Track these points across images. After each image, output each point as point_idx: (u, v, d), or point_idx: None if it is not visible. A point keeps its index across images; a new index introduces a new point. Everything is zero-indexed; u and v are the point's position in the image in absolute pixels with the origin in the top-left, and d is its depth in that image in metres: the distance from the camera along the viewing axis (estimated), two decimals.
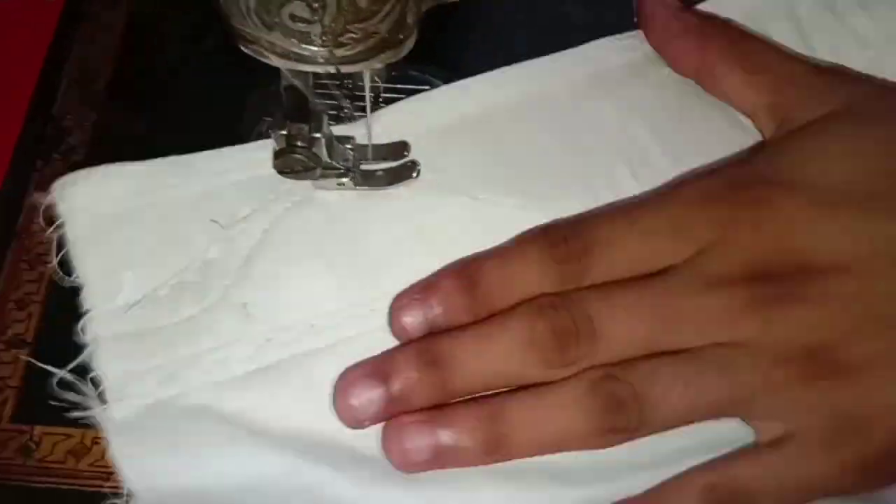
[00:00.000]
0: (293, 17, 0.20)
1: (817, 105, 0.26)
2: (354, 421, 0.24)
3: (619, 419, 0.22)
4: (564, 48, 0.31)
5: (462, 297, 0.24)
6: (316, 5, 0.19)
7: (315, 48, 0.21)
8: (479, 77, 0.30)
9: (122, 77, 0.32)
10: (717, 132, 0.29)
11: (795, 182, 0.24)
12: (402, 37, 0.21)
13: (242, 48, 0.22)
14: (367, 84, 0.25)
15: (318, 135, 0.26)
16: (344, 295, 0.26)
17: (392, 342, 0.25)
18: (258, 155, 0.28)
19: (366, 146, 0.28)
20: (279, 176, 0.26)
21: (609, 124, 0.29)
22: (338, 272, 0.27)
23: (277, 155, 0.26)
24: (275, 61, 0.22)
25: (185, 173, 0.28)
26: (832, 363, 0.22)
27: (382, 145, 0.29)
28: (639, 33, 0.31)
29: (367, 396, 0.23)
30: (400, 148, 0.29)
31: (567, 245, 0.24)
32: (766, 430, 0.23)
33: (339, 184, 0.28)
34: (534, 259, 0.24)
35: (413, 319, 0.24)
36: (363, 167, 0.28)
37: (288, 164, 0.26)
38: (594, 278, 0.24)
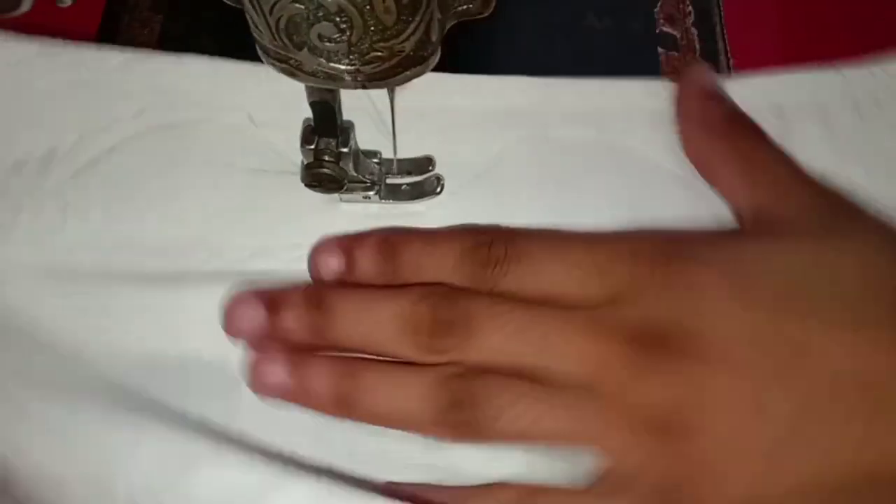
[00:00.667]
0: (321, 37, 0.20)
1: (796, 219, 0.26)
2: (233, 330, 0.25)
3: (457, 418, 0.23)
4: (588, 60, 0.31)
5: (377, 260, 0.25)
6: (343, 25, 0.20)
7: (342, 66, 0.21)
8: (504, 77, 0.31)
9: None
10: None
11: (728, 271, 0.24)
12: (426, 54, 0.22)
13: (272, 66, 0.22)
14: (393, 100, 0.25)
15: (345, 149, 0.26)
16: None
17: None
18: None
19: (391, 160, 0.28)
20: None
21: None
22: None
23: (306, 169, 0.26)
24: (303, 79, 0.22)
25: None
26: (676, 436, 0.22)
27: (407, 160, 0.29)
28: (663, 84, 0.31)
29: (251, 313, 0.24)
30: (425, 163, 0.29)
31: (489, 250, 0.25)
32: (596, 474, 0.23)
33: (364, 196, 0.28)
34: (454, 252, 0.25)
35: (329, 263, 0.26)
36: (388, 181, 0.29)
37: (316, 177, 0.26)
38: (502, 289, 0.24)
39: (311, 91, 0.24)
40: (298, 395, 0.24)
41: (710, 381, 0.22)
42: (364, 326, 0.24)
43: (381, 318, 0.24)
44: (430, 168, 0.29)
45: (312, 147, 0.26)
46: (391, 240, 0.26)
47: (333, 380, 0.24)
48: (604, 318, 0.23)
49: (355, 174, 0.27)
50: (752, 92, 0.29)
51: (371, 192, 0.28)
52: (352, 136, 0.27)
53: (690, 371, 0.22)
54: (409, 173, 0.29)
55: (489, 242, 0.25)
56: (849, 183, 0.26)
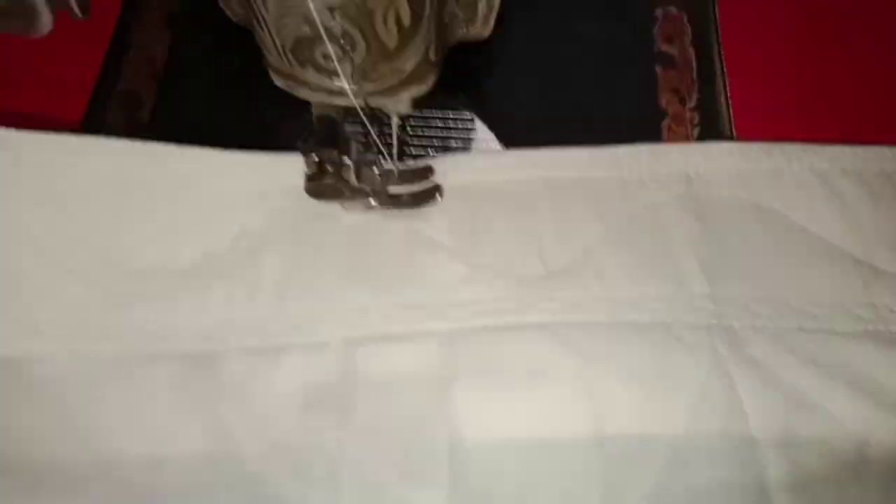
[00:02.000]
0: (325, 56, 0.21)
1: None
2: None
3: None
4: (578, 65, 0.32)
5: None
6: (347, 47, 0.21)
7: (345, 84, 0.22)
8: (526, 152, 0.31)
9: (165, 106, 0.34)
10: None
11: None
12: (426, 72, 0.23)
13: (277, 83, 0.23)
14: (394, 115, 0.26)
15: (347, 161, 0.27)
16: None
17: None
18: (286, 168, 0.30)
19: (392, 170, 0.30)
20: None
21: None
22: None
23: (309, 179, 0.27)
24: (307, 95, 0.23)
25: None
26: None
27: (408, 170, 0.30)
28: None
29: None
30: (424, 172, 0.30)
31: None
32: None
33: (365, 205, 0.29)
34: None
35: None
36: (390, 191, 0.30)
37: (319, 188, 0.27)
38: None
39: (315, 106, 0.25)
40: None
41: None
42: None
43: None
44: (430, 176, 0.30)
45: (315, 159, 0.27)
46: None
47: None
48: None
49: (357, 184, 0.28)
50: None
51: (372, 201, 0.29)
52: (354, 147, 0.28)
53: None
54: (410, 182, 0.30)
55: None
56: None
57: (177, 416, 0.26)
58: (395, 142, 0.28)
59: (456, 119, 0.32)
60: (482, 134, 0.32)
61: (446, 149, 0.32)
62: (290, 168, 0.30)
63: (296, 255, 0.29)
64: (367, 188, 0.29)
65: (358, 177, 0.28)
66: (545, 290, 0.28)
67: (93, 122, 0.33)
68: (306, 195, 0.27)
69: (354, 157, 0.28)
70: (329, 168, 0.27)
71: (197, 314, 0.28)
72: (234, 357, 0.27)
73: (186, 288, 0.28)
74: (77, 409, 0.26)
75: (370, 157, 0.29)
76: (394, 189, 0.30)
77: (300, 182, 0.27)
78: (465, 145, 0.32)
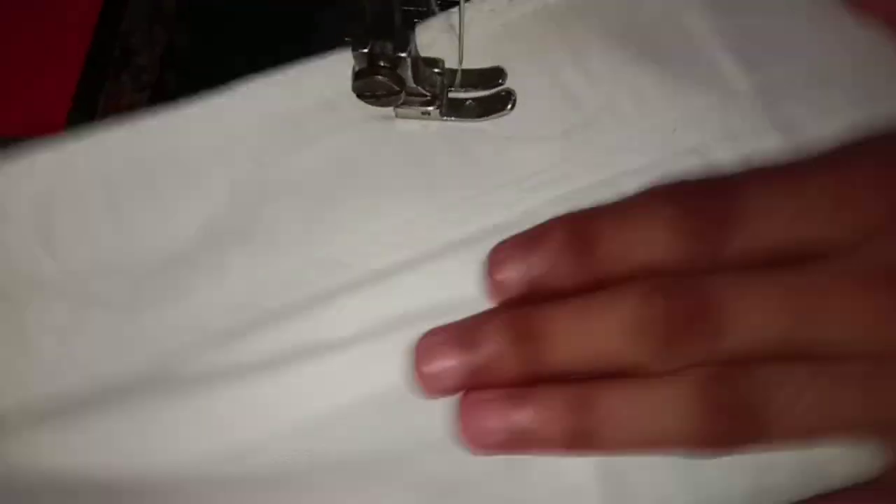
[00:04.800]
0: None
1: None
2: (433, 390, 0.21)
3: (732, 428, 0.19)
4: None
5: (571, 257, 0.21)
6: None
7: None
8: None
9: None
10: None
11: None
12: None
13: None
14: None
15: (403, 54, 0.23)
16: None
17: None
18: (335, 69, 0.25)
19: (455, 71, 0.25)
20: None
21: None
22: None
23: (358, 76, 0.23)
24: None
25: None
26: None
27: (474, 70, 0.25)
28: None
29: (448, 364, 0.20)
30: (494, 74, 0.25)
31: (703, 213, 0.20)
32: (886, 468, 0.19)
33: (423, 112, 0.25)
34: (661, 225, 0.20)
35: (511, 276, 0.21)
36: (451, 95, 0.25)
37: (370, 86, 0.23)
38: (729, 256, 0.20)
39: None
40: (526, 444, 0.20)
41: None
42: (585, 343, 0.20)
43: (604, 330, 0.20)
44: (501, 81, 0.25)
45: (366, 50, 0.23)
46: (578, 230, 0.21)
47: (566, 416, 0.20)
48: (874, 262, 0.19)
49: (413, 85, 0.24)
50: None
51: (431, 108, 0.25)
52: (412, 39, 0.23)
53: None
54: (476, 87, 0.25)
55: (700, 204, 0.20)
56: None
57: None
58: (461, 32, 0.23)
59: None
60: None
61: None
62: (329, 75, 0.25)
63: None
64: (426, 91, 0.24)
65: (415, 76, 0.24)
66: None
67: (112, 16, 0.29)
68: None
69: (413, 52, 0.23)
70: (381, 63, 0.23)
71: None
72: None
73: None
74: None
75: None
76: (456, 94, 0.25)
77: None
78: None
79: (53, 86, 0.29)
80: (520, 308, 0.21)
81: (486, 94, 0.25)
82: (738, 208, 0.20)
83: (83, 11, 0.29)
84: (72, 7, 0.30)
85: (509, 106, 0.25)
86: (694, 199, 0.21)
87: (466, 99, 0.25)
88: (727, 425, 0.19)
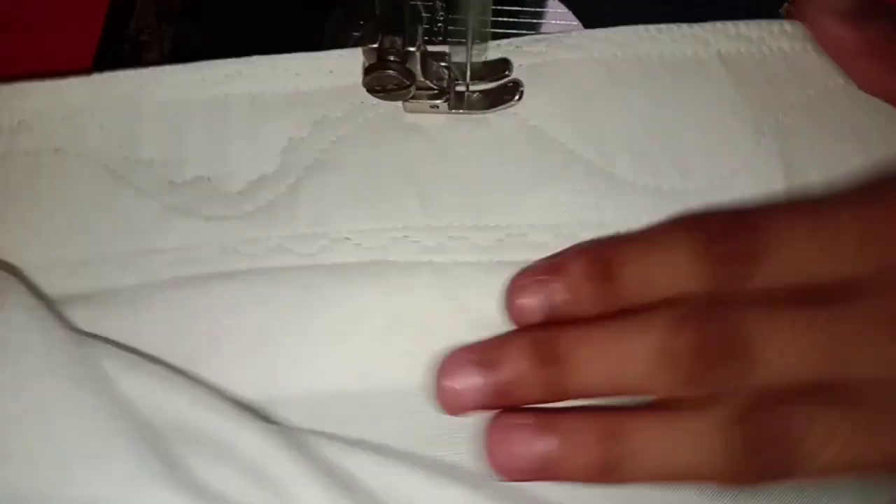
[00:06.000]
0: None
1: None
2: (454, 408, 0.21)
3: (766, 461, 0.19)
4: None
5: (593, 286, 0.21)
6: None
7: None
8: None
9: None
10: None
11: None
12: None
13: None
14: None
15: (412, 49, 0.23)
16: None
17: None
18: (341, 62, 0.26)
19: (463, 64, 0.25)
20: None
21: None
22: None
23: (368, 71, 0.23)
24: None
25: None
26: None
27: (481, 63, 0.26)
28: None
29: (471, 383, 0.21)
30: (500, 66, 0.26)
31: (728, 242, 0.20)
32: None
33: (431, 106, 0.25)
34: (685, 253, 0.20)
35: (532, 303, 0.21)
36: (458, 88, 0.26)
37: (380, 80, 0.23)
38: (753, 289, 0.20)
39: None
40: (555, 473, 0.20)
41: None
42: (612, 368, 0.20)
43: (631, 355, 0.20)
44: (507, 72, 0.26)
45: (376, 46, 0.23)
46: (602, 257, 0.21)
47: (596, 446, 0.20)
48: None
49: (422, 79, 0.24)
50: None
51: (439, 101, 0.25)
52: (420, 34, 0.23)
53: None
54: (483, 79, 0.26)
55: (724, 232, 0.20)
56: None
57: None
58: (468, 26, 0.23)
59: None
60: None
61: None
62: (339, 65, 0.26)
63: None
64: (434, 84, 0.25)
65: (424, 70, 0.24)
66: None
67: (120, 12, 0.29)
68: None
69: (421, 46, 0.24)
70: (391, 57, 0.23)
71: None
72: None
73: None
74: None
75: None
76: (463, 87, 0.26)
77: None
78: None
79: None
80: (545, 330, 0.21)
81: (493, 86, 0.26)
82: (764, 241, 0.20)
83: (91, 9, 0.29)
84: (80, 4, 0.30)
85: (517, 97, 0.25)
86: (718, 230, 0.21)
87: (474, 91, 0.26)
88: (757, 462, 0.19)
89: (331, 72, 0.26)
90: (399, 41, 0.23)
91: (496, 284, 0.22)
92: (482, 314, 0.23)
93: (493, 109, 0.25)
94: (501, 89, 0.26)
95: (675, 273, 0.20)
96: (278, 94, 0.26)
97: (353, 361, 0.23)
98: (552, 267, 0.22)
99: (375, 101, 0.25)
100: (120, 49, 0.29)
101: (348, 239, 0.24)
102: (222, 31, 0.29)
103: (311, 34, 0.26)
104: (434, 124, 0.26)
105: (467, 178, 0.25)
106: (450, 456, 0.22)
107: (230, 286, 0.24)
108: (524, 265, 0.22)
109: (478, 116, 0.25)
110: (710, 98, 0.25)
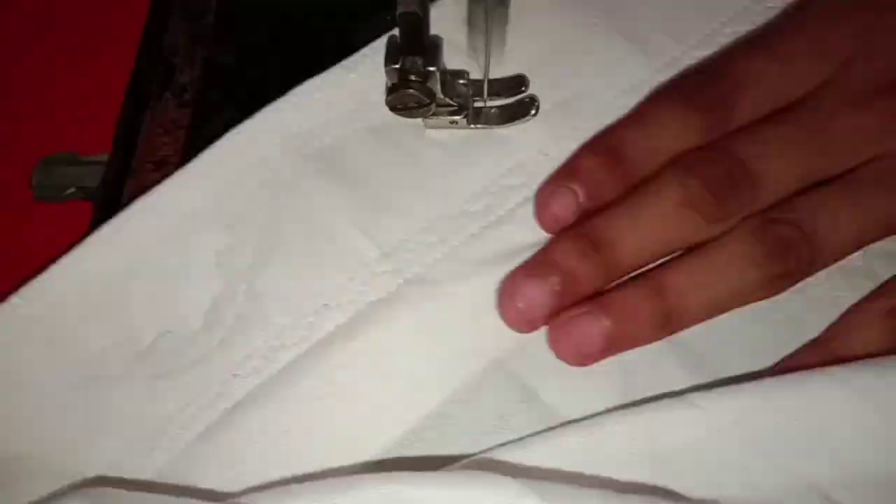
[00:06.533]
0: None
1: None
2: (527, 324, 0.23)
3: (789, 262, 0.22)
4: None
5: (608, 173, 0.23)
6: None
7: None
8: None
9: (229, 10, 0.31)
10: None
11: None
12: None
13: None
14: (488, 10, 0.23)
15: (432, 68, 0.24)
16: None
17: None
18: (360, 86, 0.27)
19: (481, 81, 0.26)
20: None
21: None
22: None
23: (390, 91, 0.24)
24: None
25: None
26: None
27: (497, 80, 0.27)
28: None
29: (533, 296, 0.22)
30: (517, 82, 0.27)
31: (705, 92, 0.23)
32: None
33: (451, 122, 0.26)
34: (673, 115, 0.24)
35: (563, 206, 0.23)
36: (477, 104, 0.27)
37: (402, 99, 0.24)
38: (740, 121, 0.23)
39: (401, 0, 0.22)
40: (622, 343, 0.22)
41: None
42: (645, 235, 0.23)
43: (656, 218, 0.23)
44: (523, 89, 0.27)
45: (398, 66, 0.24)
46: (605, 146, 0.24)
47: (647, 305, 0.22)
48: (854, 87, 0.23)
49: (442, 97, 0.25)
50: None
51: (458, 117, 0.26)
52: (440, 54, 0.25)
53: None
54: (500, 95, 0.27)
55: (699, 86, 0.24)
56: None
57: None
58: (487, 45, 0.24)
59: None
60: None
61: None
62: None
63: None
64: (454, 101, 0.26)
65: (443, 88, 0.25)
66: None
67: (154, 36, 0.31)
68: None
69: (441, 66, 0.25)
70: (412, 77, 0.24)
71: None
72: None
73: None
74: None
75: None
76: (481, 103, 0.27)
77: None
78: None
79: (99, 105, 0.31)
80: (576, 227, 0.23)
81: (510, 102, 0.27)
82: (732, 80, 0.23)
83: (127, 33, 0.31)
84: (116, 28, 0.32)
85: (532, 112, 0.26)
86: (692, 86, 0.24)
87: (492, 107, 0.27)
88: (783, 265, 0.22)
89: None
90: (420, 61, 0.24)
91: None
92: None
93: (510, 124, 0.26)
94: (518, 105, 0.27)
95: (670, 134, 0.23)
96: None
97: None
98: (568, 170, 0.24)
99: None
100: (154, 72, 0.30)
101: (326, 305, 0.24)
102: (254, 54, 0.30)
103: (339, 55, 0.27)
104: None
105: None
106: None
107: (252, 411, 0.23)
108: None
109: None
110: None
